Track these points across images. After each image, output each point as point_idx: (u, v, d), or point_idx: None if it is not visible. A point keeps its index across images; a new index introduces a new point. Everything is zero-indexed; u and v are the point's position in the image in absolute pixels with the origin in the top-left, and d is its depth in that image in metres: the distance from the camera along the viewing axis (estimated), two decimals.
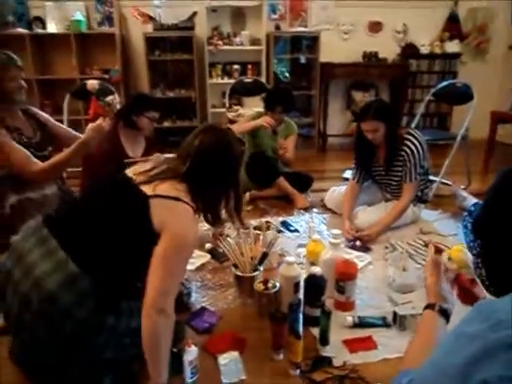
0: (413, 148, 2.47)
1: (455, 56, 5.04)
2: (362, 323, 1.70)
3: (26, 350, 1.29)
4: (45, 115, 2.10)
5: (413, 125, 3.74)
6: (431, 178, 2.88)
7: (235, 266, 1.94)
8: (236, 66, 4.73)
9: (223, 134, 1.50)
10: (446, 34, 5.03)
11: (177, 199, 1.30)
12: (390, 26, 5.00)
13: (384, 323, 1.71)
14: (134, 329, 1.24)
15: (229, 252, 1.98)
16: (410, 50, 5.01)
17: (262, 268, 1.94)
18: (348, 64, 4.85)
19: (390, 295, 1.90)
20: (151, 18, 4.45)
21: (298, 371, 1.47)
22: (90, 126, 1.96)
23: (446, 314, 1.06)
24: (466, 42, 5.13)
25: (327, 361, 1.51)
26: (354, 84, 5.03)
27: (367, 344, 1.60)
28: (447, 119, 5.19)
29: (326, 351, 1.56)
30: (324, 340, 1.57)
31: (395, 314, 1.70)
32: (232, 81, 4.44)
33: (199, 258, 2.28)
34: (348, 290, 1.78)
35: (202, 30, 4.53)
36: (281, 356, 1.54)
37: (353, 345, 1.60)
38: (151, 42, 4.44)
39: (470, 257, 0.95)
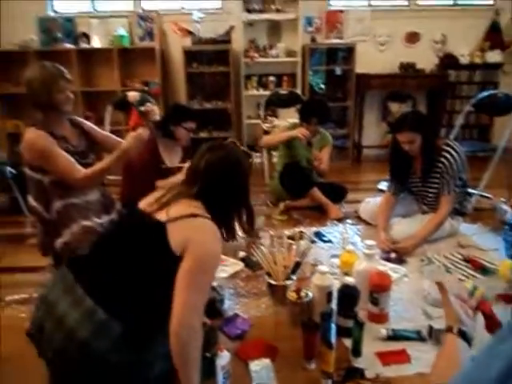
0: (451, 159, 2.43)
1: (496, 66, 4.89)
2: (396, 336, 1.67)
3: None
4: (89, 124, 2.19)
5: (451, 136, 3.65)
6: (470, 190, 2.80)
7: (268, 274, 1.96)
8: (271, 78, 4.79)
9: (229, 150, 1.49)
10: (486, 44, 4.91)
11: (194, 215, 1.29)
12: (427, 37, 4.93)
13: (419, 337, 1.67)
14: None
15: (262, 260, 2.00)
16: (448, 60, 4.91)
17: (294, 277, 1.95)
18: (384, 75, 4.81)
19: (425, 309, 1.85)
20: (190, 33, 4.59)
21: (329, 381, 1.46)
22: (131, 134, 2.05)
23: (465, 337, 1.05)
24: (508, 52, 4.98)
25: (360, 372, 1.49)
26: (391, 95, 4.97)
27: (401, 357, 1.58)
28: (488, 131, 5.03)
29: (359, 363, 1.54)
30: (356, 351, 1.56)
31: (431, 327, 1.66)
32: (267, 92, 4.50)
33: (233, 265, 2.31)
34: (382, 302, 1.76)
35: (238, 42, 4.62)
36: (313, 365, 1.53)
37: (386, 357, 1.57)
38: (189, 56, 4.57)
39: None
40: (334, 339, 1.47)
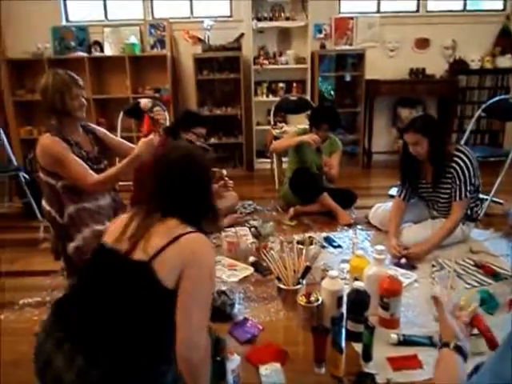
0: (462, 165, 2.41)
1: (507, 71, 4.86)
2: (407, 341, 1.67)
3: None
4: (102, 130, 2.23)
5: (462, 141, 3.64)
6: (481, 196, 2.78)
7: (278, 278, 1.97)
8: (281, 84, 4.81)
9: (187, 155, 1.34)
10: (497, 49, 4.88)
11: (176, 238, 1.18)
12: (437, 42, 4.92)
13: (430, 342, 1.66)
14: None
15: (272, 265, 2.01)
16: (458, 66, 4.89)
17: (304, 282, 1.95)
18: (394, 81, 4.80)
19: (436, 314, 1.84)
20: (200, 40, 4.64)
21: None
22: (143, 140, 2.07)
23: (462, 352, 1.05)
24: None
25: (370, 377, 1.49)
26: (400, 101, 4.97)
27: (412, 363, 1.57)
28: (499, 136, 4.99)
29: (369, 367, 1.54)
30: (367, 356, 1.56)
31: None
32: (277, 99, 4.53)
33: (243, 270, 2.32)
34: (392, 307, 1.75)
35: (248, 49, 4.66)
36: (323, 370, 1.53)
37: (397, 363, 1.56)
38: (200, 63, 4.61)
39: None
40: (343, 343, 1.47)
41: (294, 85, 4.80)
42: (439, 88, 4.86)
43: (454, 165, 2.43)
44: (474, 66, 4.88)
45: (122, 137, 3.83)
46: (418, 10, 4.95)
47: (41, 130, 4.31)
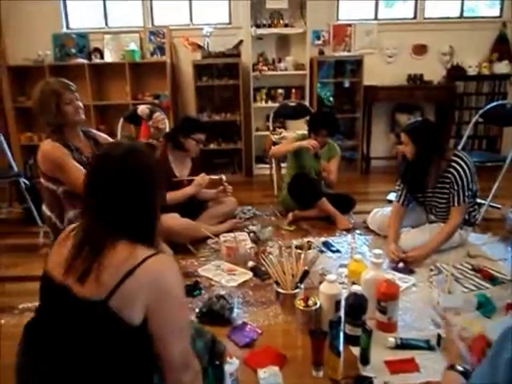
0: (460, 170, 2.43)
1: (505, 77, 4.90)
2: (404, 345, 1.67)
3: None
4: (103, 135, 2.26)
5: (460, 147, 3.66)
6: (479, 200, 2.80)
7: (277, 283, 1.98)
8: (280, 91, 4.85)
9: (120, 148, 1.13)
10: (494, 55, 4.93)
11: (131, 271, 1.00)
12: (435, 49, 4.96)
13: (428, 346, 1.67)
14: None
15: (271, 269, 2.02)
16: (456, 72, 4.93)
17: (302, 286, 1.96)
18: (392, 87, 4.84)
19: (434, 318, 1.85)
20: (200, 47, 4.68)
21: None
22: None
23: (465, 375, 1.08)
24: None
25: (368, 381, 1.50)
26: (399, 107, 5.00)
27: (409, 366, 1.58)
28: (497, 141, 5.01)
29: (367, 371, 1.55)
30: (365, 359, 1.57)
31: (439, 336, 1.66)
32: (276, 104, 4.56)
33: (242, 275, 2.33)
34: (390, 311, 1.76)
35: (247, 56, 4.69)
36: (321, 373, 1.54)
37: (394, 366, 1.57)
38: (199, 69, 4.65)
39: None
40: (341, 347, 1.48)
41: (293, 91, 4.84)
42: (437, 94, 4.90)
43: (452, 170, 2.45)
44: (472, 72, 4.92)
45: None
46: (415, 17, 5.00)
47: (41, 137, 4.34)
